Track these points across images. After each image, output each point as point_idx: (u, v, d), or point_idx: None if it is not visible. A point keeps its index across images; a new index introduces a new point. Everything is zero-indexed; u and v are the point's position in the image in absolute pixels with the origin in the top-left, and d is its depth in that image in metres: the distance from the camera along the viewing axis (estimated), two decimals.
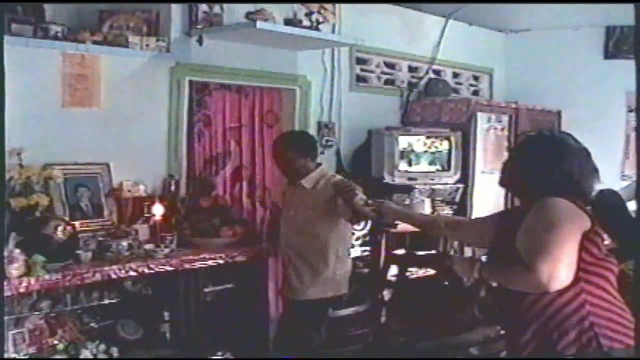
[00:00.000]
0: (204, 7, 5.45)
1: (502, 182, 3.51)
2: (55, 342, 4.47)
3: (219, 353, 4.91)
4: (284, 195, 5.17)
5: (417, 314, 5.39)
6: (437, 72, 7.51)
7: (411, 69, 7.29)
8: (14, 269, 4.06)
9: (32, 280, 4.11)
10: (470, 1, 6.77)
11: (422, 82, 7.31)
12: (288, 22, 5.51)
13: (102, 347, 4.60)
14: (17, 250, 4.12)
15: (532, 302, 3.01)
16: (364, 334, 5.50)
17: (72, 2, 5.24)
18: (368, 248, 6.01)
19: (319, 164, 5.01)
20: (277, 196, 6.20)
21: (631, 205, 4.47)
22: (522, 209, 3.19)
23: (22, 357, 4.32)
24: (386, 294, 5.66)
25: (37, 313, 4.40)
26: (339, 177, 4.97)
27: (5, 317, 4.22)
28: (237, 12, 5.54)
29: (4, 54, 2.41)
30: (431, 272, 5.92)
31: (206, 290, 5.03)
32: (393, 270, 5.85)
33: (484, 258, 3.51)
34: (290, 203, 5.02)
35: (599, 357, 2.95)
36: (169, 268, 4.70)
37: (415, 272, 6.07)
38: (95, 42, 5.05)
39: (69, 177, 4.86)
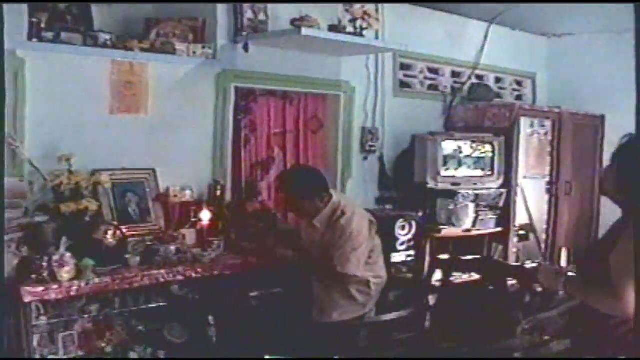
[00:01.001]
0: (249, 14, 5.45)
1: (603, 190, 3.24)
2: (103, 344, 4.47)
3: (267, 357, 4.88)
4: (303, 226, 5.05)
5: (461, 319, 5.34)
6: (480, 77, 7.44)
7: (454, 74, 7.23)
8: (65, 273, 4.08)
9: (83, 284, 4.13)
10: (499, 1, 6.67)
11: (465, 87, 7.25)
12: (332, 28, 5.47)
13: (149, 350, 4.61)
14: (68, 254, 4.14)
15: (618, 324, 2.86)
16: (408, 339, 5.44)
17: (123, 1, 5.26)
18: (412, 253, 5.96)
19: (330, 197, 4.78)
20: None
21: None
22: (622, 222, 2.93)
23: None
24: (430, 299, 5.61)
25: (86, 316, 4.40)
26: (347, 216, 4.71)
27: (55, 320, 4.25)
28: (281, 19, 5.53)
29: (4, 53, 2.40)
30: (475, 277, 5.90)
31: (252, 294, 5.00)
32: (436, 274, 5.81)
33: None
34: (305, 238, 4.93)
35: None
36: (215, 272, 4.69)
37: (459, 277, 6.03)
38: (142, 50, 5.06)
39: (117, 182, 4.88)
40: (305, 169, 5.60)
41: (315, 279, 4.80)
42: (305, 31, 5.18)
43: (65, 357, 4.30)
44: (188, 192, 5.18)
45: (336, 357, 4.51)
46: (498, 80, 7.71)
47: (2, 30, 2.34)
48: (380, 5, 6.21)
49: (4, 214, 2.35)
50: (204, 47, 5.31)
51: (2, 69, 2.38)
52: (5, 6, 4.29)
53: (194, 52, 5.27)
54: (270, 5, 5.56)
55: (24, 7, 4.53)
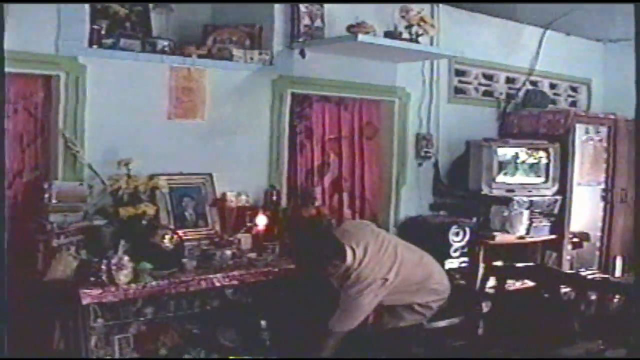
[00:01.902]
0: (305, 20, 5.39)
1: None
2: (158, 347, 4.45)
3: None
4: None
5: (515, 327, 5.20)
6: (534, 83, 7.27)
7: (509, 80, 7.08)
8: (123, 276, 4.07)
9: (140, 287, 4.12)
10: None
11: (520, 94, 7.09)
12: (388, 34, 5.39)
13: (203, 353, 4.57)
14: (126, 258, 4.12)
15: None
16: (461, 346, 5.32)
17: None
18: (465, 259, 5.85)
19: (344, 261, 4.43)
20: (376, 207, 6.12)
21: None
22: None
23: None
24: (484, 306, 5.48)
25: (141, 319, 4.37)
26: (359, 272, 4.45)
27: (112, 322, 4.23)
28: (337, 26, 5.46)
29: (4, 53, 2.36)
30: (530, 284, 5.75)
31: (306, 299, 4.92)
32: (490, 281, 5.69)
33: None
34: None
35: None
36: (270, 277, 4.65)
37: (512, 285, 5.89)
38: (200, 56, 5.05)
39: (174, 187, 4.86)
40: (314, 235, 5.04)
41: None
42: (361, 37, 5.11)
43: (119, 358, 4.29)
44: (244, 197, 5.14)
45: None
46: (553, 86, 7.53)
47: (2, 30, 2.29)
48: (435, 11, 6.12)
49: (3, 214, 2.30)
50: (260, 53, 5.27)
51: (2, 69, 2.33)
52: (66, 12, 4.34)
53: (251, 58, 5.23)
54: (326, 12, 5.49)
55: (86, 14, 4.54)
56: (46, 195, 4.31)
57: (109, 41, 4.66)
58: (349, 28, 5.24)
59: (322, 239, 4.70)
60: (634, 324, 3.31)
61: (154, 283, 4.16)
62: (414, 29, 5.45)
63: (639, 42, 2.61)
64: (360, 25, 5.21)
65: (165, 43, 4.90)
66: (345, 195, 6.01)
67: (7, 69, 4.12)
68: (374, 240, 4.61)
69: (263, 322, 4.77)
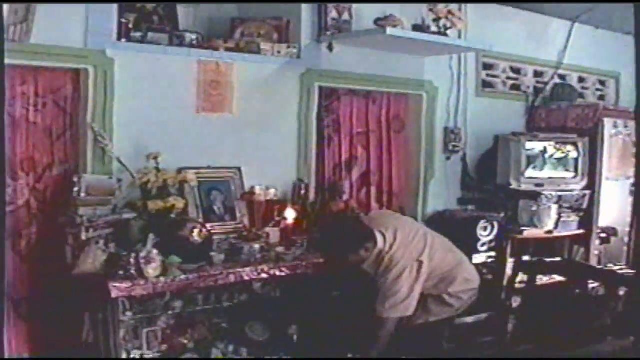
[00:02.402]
0: (333, 14, 5.32)
1: None
2: (186, 341, 4.41)
3: (349, 356, 4.75)
4: None
5: (546, 323, 5.12)
6: (562, 77, 7.16)
7: (537, 74, 6.97)
8: (152, 269, 4.03)
9: (169, 281, 4.08)
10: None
11: (548, 87, 6.98)
12: (416, 28, 5.31)
13: (231, 347, 4.53)
14: (155, 251, 4.08)
15: None
16: (490, 342, 5.23)
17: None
18: (493, 254, 5.76)
19: (375, 245, 4.43)
20: (404, 201, 6.05)
21: None
22: None
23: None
24: (513, 301, 5.40)
25: (170, 312, 4.34)
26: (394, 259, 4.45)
27: (140, 315, 4.21)
28: (365, 19, 5.38)
29: (4, 56, 2.31)
30: (559, 279, 5.66)
31: (334, 294, 4.87)
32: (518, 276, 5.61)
33: None
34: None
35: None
36: (298, 271, 4.58)
37: (539, 279, 5.79)
38: (227, 50, 4.99)
39: (203, 180, 4.81)
40: (343, 223, 5.01)
41: None
42: (389, 31, 5.04)
43: (149, 353, 4.26)
44: (273, 191, 5.08)
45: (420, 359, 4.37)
46: (581, 80, 7.41)
47: (2, 30, 2.25)
48: (463, 4, 6.01)
49: (4, 214, 2.27)
50: (288, 47, 5.20)
51: (2, 69, 2.30)
52: (94, 7, 4.31)
53: (279, 52, 5.17)
54: (354, 5, 5.42)
55: (114, 8, 4.49)
56: (75, 189, 4.27)
57: (137, 35, 4.61)
58: (377, 21, 5.16)
59: (351, 226, 4.69)
60: None
61: (182, 277, 4.12)
62: (442, 22, 5.37)
63: (639, 42, 2.66)
64: (388, 19, 5.14)
65: (193, 37, 4.85)
66: (373, 189, 5.94)
67: (36, 63, 4.19)
68: (402, 225, 4.62)
69: (294, 316, 4.70)
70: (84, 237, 4.15)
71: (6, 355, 4.06)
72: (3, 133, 2.50)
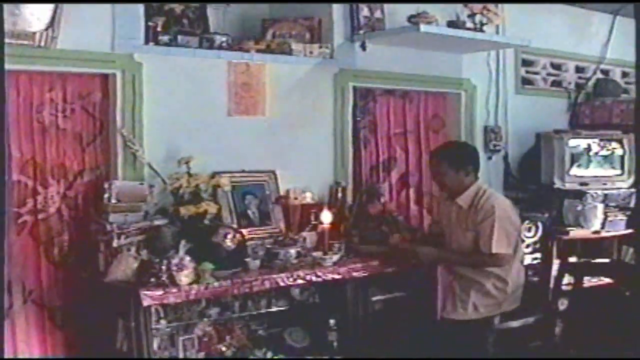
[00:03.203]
0: (365, 12, 5.22)
1: None
2: (224, 348, 4.32)
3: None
4: (440, 207, 4.88)
5: (594, 326, 4.94)
6: (605, 72, 6.97)
7: (578, 70, 6.80)
8: (184, 276, 3.91)
9: (202, 288, 3.96)
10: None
11: (590, 83, 6.81)
12: (451, 24, 5.18)
13: (270, 354, 4.42)
14: (187, 258, 3.97)
15: None
16: (536, 347, 5.04)
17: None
18: (538, 255, 5.58)
19: (477, 179, 4.60)
20: None
21: None
22: None
23: None
24: (560, 304, 5.22)
25: (206, 320, 4.25)
26: (494, 198, 4.50)
27: (175, 323, 4.13)
28: (398, 16, 5.27)
29: (4, 54, 2.23)
30: (606, 281, 5.47)
31: (374, 298, 4.73)
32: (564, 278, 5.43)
33: None
34: (445, 219, 4.68)
35: None
36: (336, 276, 4.44)
37: (588, 281, 5.60)
38: (259, 51, 4.89)
39: (237, 185, 4.71)
40: (461, 143, 5.47)
41: (446, 271, 4.55)
42: (423, 27, 4.92)
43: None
44: (308, 194, 4.96)
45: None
46: (625, 74, 7.19)
47: (1, 29, 2.18)
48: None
49: (4, 216, 2.19)
50: (320, 47, 5.10)
51: (2, 69, 2.22)
52: (121, 10, 4.25)
53: (311, 52, 5.06)
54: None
55: (140, 11, 4.42)
56: (106, 195, 4.19)
57: (166, 38, 4.54)
58: (410, 18, 5.04)
59: (465, 146, 5.05)
60: None
61: (216, 284, 3.99)
62: (478, 17, 5.24)
63: (639, 42, 2.71)
64: (421, 15, 5.02)
65: (223, 39, 4.76)
66: (412, 191, 5.80)
67: (63, 69, 4.13)
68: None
69: (332, 322, 4.57)
70: (115, 244, 4.06)
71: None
72: (3, 133, 2.42)
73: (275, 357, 4.43)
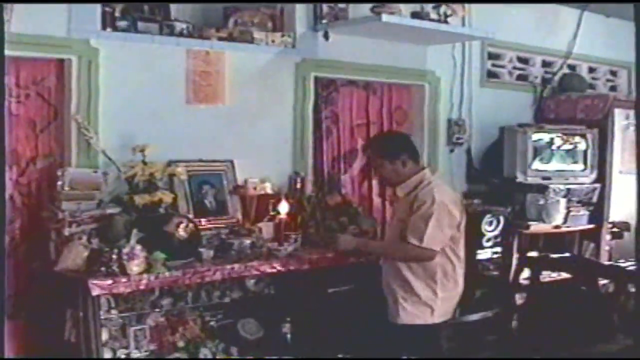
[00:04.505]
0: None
1: None
2: (176, 339, 4.29)
3: (340, 355, 4.59)
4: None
5: (551, 321, 4.95)
6: (572, 67, 6.97)
7: (545, 64, 6.79)
8: (135, 266, 3.87)
9: (152, 278, 3.91)
10: None
11: (556, 78, 6.79)
12: (415, 15, 5.15)
13: (222, 346, 4.39)
14: (139, 247, 3.93)
15: None
16: (493, 341, 5.06)
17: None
18: (498, 249, 5.60)
19: (422, 169, 4.36)
20: None
21: None
22: None
23: None
24: (518, 298, 5.24)
25: (158, 310, 4.23)
26: (438, 190, 4.19)
27: (127, 314, 4.13)
28: (362, 6, 5.21)
29: (4, 53, 2.19)
30: (566, 275, 5.49)
31: (330, 290, 4.71)
32: (524, 273, 5.44)
33: None
34: (393, 212, 4.61)
35: None
36: (291, 267, 4.41)
37: (547, 276, 5.63)
38: (220, 39, 4.84)
39: (193, 174, 4.66)
40: (394, 132, 5.46)
41: (389, 269, 4.34)
42: (386, 18, 4.89)
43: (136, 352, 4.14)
44: (267, 185, 4.92)
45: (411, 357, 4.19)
46: (591, 70, 7.21)
47: (2, 29, 2.15)
48: None
49: (4, 213, 2.15)
50: (283, 36, 5.06)
51: (2, 68, 2.19)
52: None
53: (273, 41, 5.02)
54: None
55: None
56: (59, 183, 4.14)
57: (124, 24, 4.48)
58: (373, 9, 5.00)
59: (398, 135, 4.93)
60: None
61: (167, 273, 3.95)
62: (442, 9, 5.21)
63: (639, 41, 2.67)
64: (384, 6, 4.97)
65: (184, 26, 4.70)
66: (374, 183, 5.75)
67: (17, 53, 4.06)
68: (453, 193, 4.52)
69: (288, 314, 4.57)
70: (67, 232, 4.01)
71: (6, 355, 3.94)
72: (3, 132, 2.37)
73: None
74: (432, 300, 4.18)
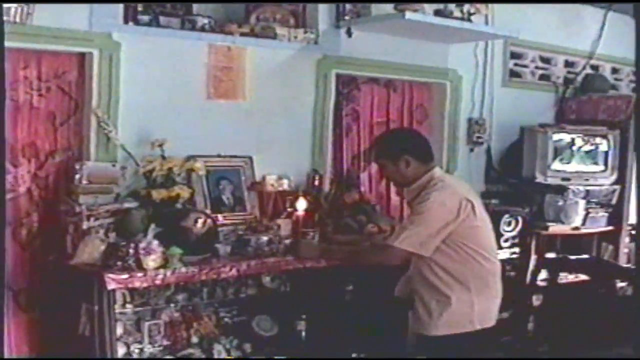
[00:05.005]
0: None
1: None
2: (190, 334, 4.24)
3: (354, 355, 4.54)
4: None
5: (568, 323, 4.88)
6: (595, 68, 6.84)
7: (567, 64, 6.66)
8: (151, 261, 3.83)
9: (169, 273, 3.87)
10: None
11: (579, 78, 6.67)
12: (438, 13, 5.06)
13: (236, 342, 4.34)
14: (156, 242, 3.88)
15: None
16: (508, 342, 4.98)
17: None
18: (516, 250, 5.51)
19: (431, 168, 3.80)
20: None
21: None
22: None
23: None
24: (534, 300, 5.16)
25: (173, 305, 4.18)
26: (439, 189, 3.65)
27: (142, 308, 4.08)
28: (386, 4, 5.12)
29: (4, 53, 2.14)
30: (584, 277, 5.41)
31: (347, 288, 4.66)
32: (542, 274, 5.37)
33: None
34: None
35: None
36: (308, 265, 4.33)
37: (565, 277, 5.54)
38: (242, 34, 4.77)
39: (212, 169, 4.60)
40: (397, 131, 5.19)
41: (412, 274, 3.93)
42: (409, 15, 4.80)
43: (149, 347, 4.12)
44: (285, 181, 4.86)
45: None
46: (615, 70, 7.07)
47: (2, 29, 2.10)
48: None
49: (4, 210, 2.11)
50: (305, 32, 4.99)
51: (2, 68, 2.14)
52: None
53: (295, 37, 4.95)
54: None
55: None
56: (77, 176, 4.10)
57: (146, 18, 4.42)
58: (397, 6, 4.92)
59: (406, 133, 4.61)
60: None
61: (183, 269, 3.90)
62: (466, 7, 5.11)
63: (639, 42, 2.67)
64: (408, 3, 4.89)
65: (206, 21, 4.64)
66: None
67: (39, 46, 4.03)
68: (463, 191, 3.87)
69: (303, 311, 4.51)
70: (84, 226, 3.97)
71: (6, 355, 3.92)
72: (3, 131, 2.33)
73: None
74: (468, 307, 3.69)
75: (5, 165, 2.34)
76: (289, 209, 4.73)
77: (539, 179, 5.81)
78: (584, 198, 5.81)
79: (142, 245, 3.84)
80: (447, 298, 3.63)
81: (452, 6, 5.10)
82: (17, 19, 3.90)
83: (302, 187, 4.98)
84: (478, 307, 3.67)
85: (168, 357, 4.16)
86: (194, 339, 4.25)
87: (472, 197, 3.72)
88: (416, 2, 4.95)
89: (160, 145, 4.27)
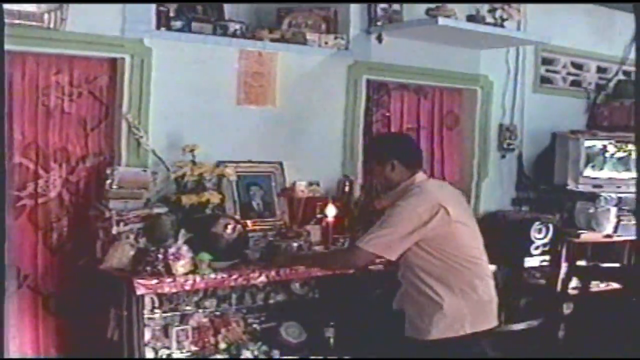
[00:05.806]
0: (383, 3, 4.99)
1: None
2: (218, 340, 4.16)
3: None
4: None
5: (599, 331, 4.73)
6: (627, 74, 6.66)
7: (599, 70, 6.51)
8: (180, 266, 3.75)
9: (198, 278, 3.79)
10: None
11: (611, 84, 6.51)
12: (470, 18, 4.95)
13: (264, 349, 4.25)
14: (185, 248, 3.81)
15: None
16: (538, 350, 4.85)
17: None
18: (547, 258, 5.36)
19: (409, 173, 3.73)
20: None
21: None
22: None
23: None
24: (565, 308, 5.02)
25: (201, 311, 4.10)
26: (417, 193, 3.60)
27: (171, 314, 4.02)
28: (416, 9, 5.04)
29: (4, 53, 2.07)
30: (615, 286, 5.26)
31: (377, 293, 4.54)
32: (572, 282, 5.22)
33: None
34: None
35: None
36: (337, 271, 4.21)
37: (596, 286, 5.39)
38: (273, 40, 4.69)
39: (242, 175, 4.52)
40: (389, 134, 5.09)
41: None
42: (442, 21, 4.70)
43: (178, 352, 4.03)
44: (315, 187, 4.76)
45: None
46: None
47: (2, 29, 2.03)
48: None
49: (4, 209, 2.03)
50: (336, 38, 4.89)
51: (2, 68, 2.06)
52: None
53: (326, 43, 4.85)
54: None
55: None
56: (108, 182, 4.03)
57: (178, 24, 4.36)
58: (429, 11, 4.81)
59: (393, 137, 4.60)
60: None
61: (212, 275, 3.82)
62: (498, 12, 5.00)
63: (639, 42, 2.61)
64: (440, 9, 4.78)
65: (237, 26, 4.57)
66: None
67: (71, 52, 3.97)
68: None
69: (332, 318, 4.40)
70: (114, 231, 3.91)
71: (6, 355, 3.85)
72: (3, 130, 2.27)
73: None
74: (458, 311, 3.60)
75: (5, 165, 2.26)
76: (319, 215, 4.63)
77: (571, 185, 5.68)
78: (615, 205, 5.64)
79: (171, 250, 3.77)
80: (437, 303, 3.57)
81: (484, 12, 4.98)
82: (51, 25, 3.87)
83: (332, 193, 4.88)
84: (468, 311, 3.59)
85: None
86: (222, 345, 4.16)
87: (451, 203, 3.63)
88: (450, 1, 4.83)
89: (192, 151, 4.20)
